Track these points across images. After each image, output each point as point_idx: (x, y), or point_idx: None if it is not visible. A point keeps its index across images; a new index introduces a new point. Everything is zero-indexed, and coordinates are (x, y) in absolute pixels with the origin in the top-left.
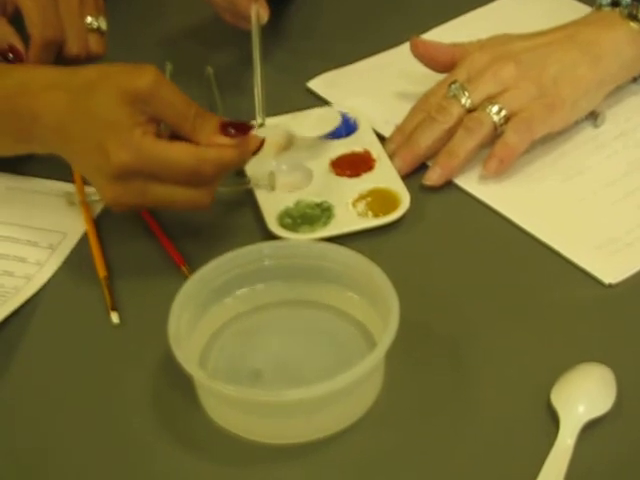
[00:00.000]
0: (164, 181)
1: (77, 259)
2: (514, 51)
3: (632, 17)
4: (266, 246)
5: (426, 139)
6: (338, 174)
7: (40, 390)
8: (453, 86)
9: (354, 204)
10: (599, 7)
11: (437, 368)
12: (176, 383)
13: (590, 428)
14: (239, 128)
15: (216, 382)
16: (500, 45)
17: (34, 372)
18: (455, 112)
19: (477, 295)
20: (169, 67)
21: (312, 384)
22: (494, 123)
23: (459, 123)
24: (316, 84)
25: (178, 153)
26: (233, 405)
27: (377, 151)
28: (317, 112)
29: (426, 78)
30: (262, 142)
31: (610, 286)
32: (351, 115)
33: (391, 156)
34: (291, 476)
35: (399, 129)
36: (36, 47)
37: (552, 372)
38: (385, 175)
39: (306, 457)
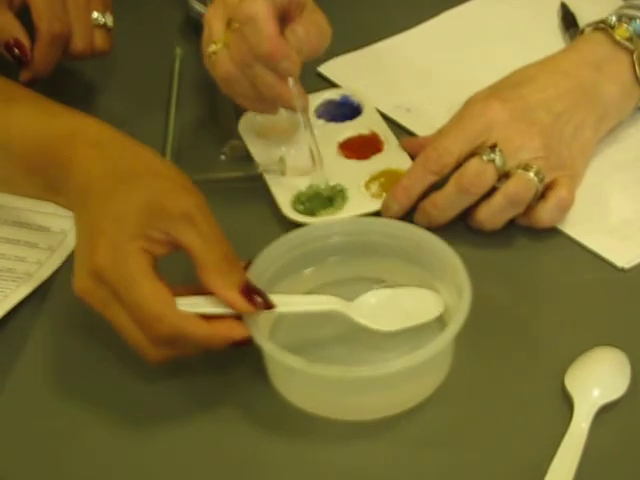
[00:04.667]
0: (126, 309)
1: None
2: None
3: None
4: (335, 223)
5: (453, 212)
6: (347, 157)
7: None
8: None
9: (366, 186)
10: (606, 26)
11: None
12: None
13: (604, 412)
14: (263, 300)
15: (294, 358)
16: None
17: (46, 357)
18: (491, 180)
19: (490, 279)
20: (179, 52)
21: (387, 361)
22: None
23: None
24: (326, 68)
25: (150, 295)
26: (306, 382)
27: (384, 133)
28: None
29: (435, 62)
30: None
31: (623, 270)
32: (355, 98)
33: (387, 209)
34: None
35: (405, 188)
36: (43, 41)
37: (566, 356)
38: (395, 156)
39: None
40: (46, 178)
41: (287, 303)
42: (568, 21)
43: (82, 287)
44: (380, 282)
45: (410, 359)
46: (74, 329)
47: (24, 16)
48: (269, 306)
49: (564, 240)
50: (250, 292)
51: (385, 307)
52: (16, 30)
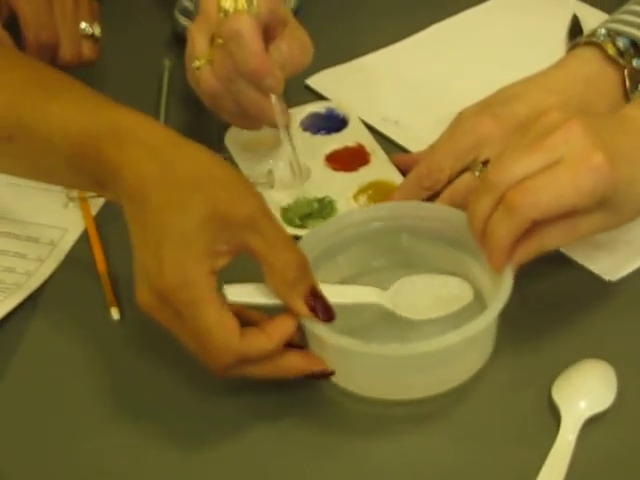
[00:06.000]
0: (191, 333)
1: (78, 255)
2: None
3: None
4: (370, 209)
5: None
6: (335, 169)
7: (44, 385)
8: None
9: (355, 198)
10: (597, 41)
11: None
12: None
13: (591, 424)
14: (325, 309)
15: (349, 340)
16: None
17: (36, 368)
18: None
19: None
20: (168, 64)
21: (429, 338)
22: None
23: None
24: (315, 81)
25: (215, 324)
26: (349, 359)
27: (371, 145)
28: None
29: (423, 75)
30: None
31: (610, 283)
32: (340, 110)
33: None
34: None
35: (399, 190)
36: (30, 50)
37: (553, 368)
38: (383, 168)
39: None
40: (91, 174)
41: (327, 294)
42: (575, 34)
43: (147, 304)
44: (415, 267)
45: (466, 330)
46: (63, 339)
47: (12, 26)
48: (330, 318)
49: (551, 252)
50: (314, 301)
51: (419, 295)
52: (4, 39)
